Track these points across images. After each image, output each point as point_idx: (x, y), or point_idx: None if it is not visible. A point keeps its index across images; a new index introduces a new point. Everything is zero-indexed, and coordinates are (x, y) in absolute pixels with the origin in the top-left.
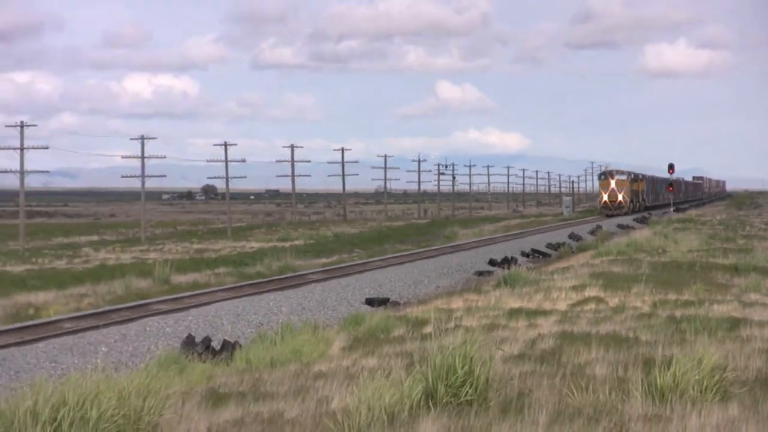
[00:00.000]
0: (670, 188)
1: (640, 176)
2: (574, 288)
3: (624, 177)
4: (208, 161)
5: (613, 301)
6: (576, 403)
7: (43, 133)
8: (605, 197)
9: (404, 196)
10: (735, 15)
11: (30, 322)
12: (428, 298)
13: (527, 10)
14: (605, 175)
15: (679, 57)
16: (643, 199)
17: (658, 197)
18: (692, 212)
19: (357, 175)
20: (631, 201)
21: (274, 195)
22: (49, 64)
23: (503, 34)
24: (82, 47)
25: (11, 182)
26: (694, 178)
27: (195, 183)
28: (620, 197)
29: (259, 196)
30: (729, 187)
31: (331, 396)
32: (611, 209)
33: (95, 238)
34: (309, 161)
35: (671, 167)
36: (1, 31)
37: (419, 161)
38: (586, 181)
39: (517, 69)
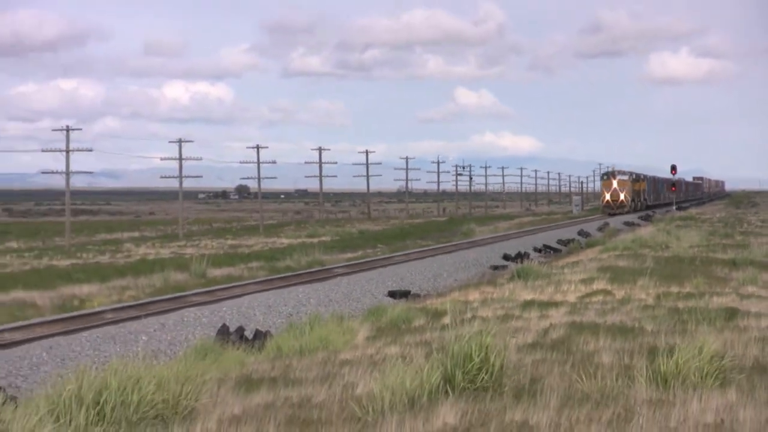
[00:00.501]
0: (673, 188)
1: (642, 176)
2: (583, 281)
3: (626, 177)
4: (241, 163)
5: (620, 293)
6: (585, 389)
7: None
8: (607, 197)
9: (424, 196)
10: (734, 27)
11: (75, 313)
12: (447, 291)
13: (540, 21)
14: (607, 176)
15: (682, 65)
16: (645, 199)
17: (659, 196)
18: (693, 210)
19: (380, 175)
20: (633, 200)
21: (302, 194)
22: (93, 72)
23: (517, 44)
24: (124, 56)
25: (58, 182)
26: (694, 178)
27: (229, 183)
28: (622, 197)
29: (289, 196)
30: (728, 187)
31: (356, 382)
32: (613, 208)
33: (136, 234)
34: (335, 163)
35: (673, 168)
36: (49, 41)
37: (438, 163)
38: (594, 181)
39: (531, 76)
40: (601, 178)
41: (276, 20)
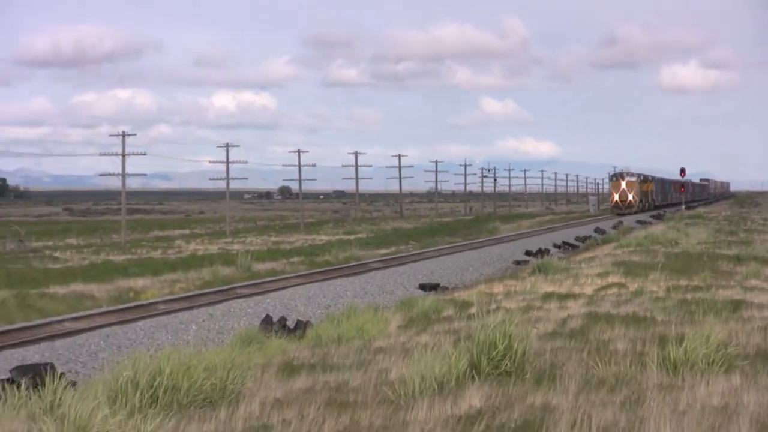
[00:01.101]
0: (682, 189)
1: (650, 178)
2: (599, 275)
3: (634, 178)
4: (283, 166)
5: (633, 286)
6: (601, 374)
7: (142, 142)
8: (616, 197)
9: (452, 196)
10: (739, 40)
11: (130, 304)
12: (473, 284)
13: (560, 35)
14: (616, 177)
15: (691, 76)
16: (653, 199)
17: (667, 197)
18: (701, 210)
19: (412, 177)
20: (641, 201)
21: (340, 195)
22: (147, 82)
23: (539, 56)
24: (176, 67)
25: (114, 183)
26: (701, 180)
27: (272, 184)
28: (630, 197)
29: (328, 196)
30: (732, 188)
31: (390, 368)
32: (622, 208)
33: (186, 231)
34: (370, 166)
35: (683, 171)
36: (108, 53)
37: (465, 166)
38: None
39: (551, 86)
40: (610, 179)
41: (316, 34)
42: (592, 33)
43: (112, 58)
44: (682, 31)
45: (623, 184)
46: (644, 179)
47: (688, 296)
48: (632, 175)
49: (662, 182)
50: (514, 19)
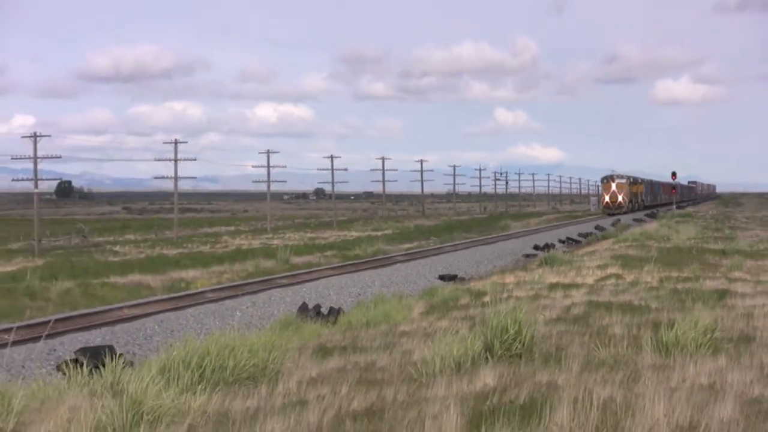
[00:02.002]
0: (673, 190)
1: (639, 180)
2: (599, 267)
3: (624, 180)
4: (318, 170)
5: (629, 277)
6: (601, 356)
7: (193, 148)
8: (607, 198)
9: (469, 197)
10: (726, 59)
11: (182, 293)
12: (487, 275)
13: (567, 53)
14: (607, 179)
15: (682, 90)
16: (642, 200)
17: (656, 198)
18: (690, 209)
19: (432, 180)
20: (630, 202)
21: (369, 196)
22: (198, 96)
23: (548, 72)
24: (223, 82)
25: (168, 185)
26: (689, 182)
27: (308, 186)
28: (620, 198)
29: (358, 197)
30: (718, 189)
31: (413, 349)
32: (612, 209)
33: (232, 228)
34: (396, 170)
35: (674, 174)
36: (163, 70)
37: (480, 170)
38: None
39: (558, 99)
40: (601, 181)
41: (349, 53)
42: (595, 51)
43: (167, 74)
44: (675, 50)
45: (613, 186)
46: (634, 181)
47: (679, 286)
48: (622, 177)
49: (651, 184)
50: (526, 38)
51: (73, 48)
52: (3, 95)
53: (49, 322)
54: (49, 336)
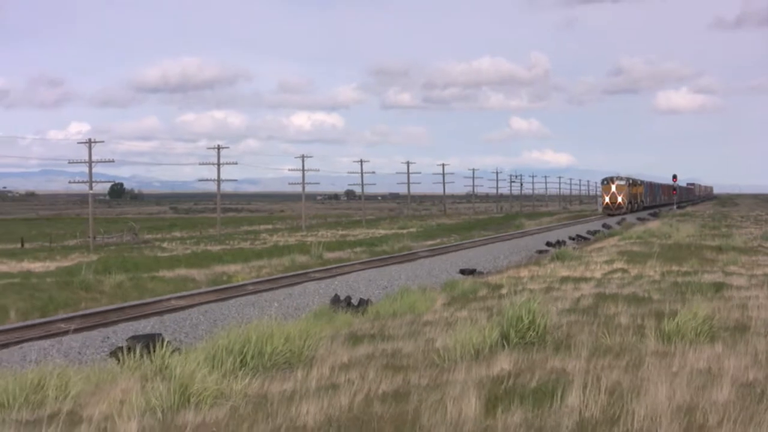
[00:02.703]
0: (674, 192)
1: (639, 182)
2: (606, 262)
3: (623, 182)
4: (349, 173)
5: (634, 271)
6: (608, 343)
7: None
8: (607, 199)
9: (486, 197)
10: (722, 72)
11: (224, 286)
12: (503, 269)
13: (576, 67)
14: (607, 181)
15: (682, 100)
16: (641, 201)
17: (656, 199)
18: (689, 209)
19: (453, 182)
20: (630, 203)
21: (395, 196)
22: (239, 105)
23: (559, 84)
24: (263, 92)
25: (211, 187)
26: (687, 184)
27: (340, 188)
28: (620, 199)
29: (385, 198)
30: (715, 191)
31: (435, 337)
32: (612, 209)
33: (270, 226)
34: (420, 173)
35: (674, 177)
36: (207, 81)
37: (497, 173)
38: None
39: (568, 108)
40: (602, 183)
41: (378, 66)
42: (602, 65)
43: (211, 85)
44: (676, 63)
45: (613, 188)
46: (633, 183)
47: (679, 279)
48: (621, 179)
49: (651, 186)
50: (539, 53)
51: (127, 61)
52: (62, 105)
53: (103, 312)
54: (104, 325)
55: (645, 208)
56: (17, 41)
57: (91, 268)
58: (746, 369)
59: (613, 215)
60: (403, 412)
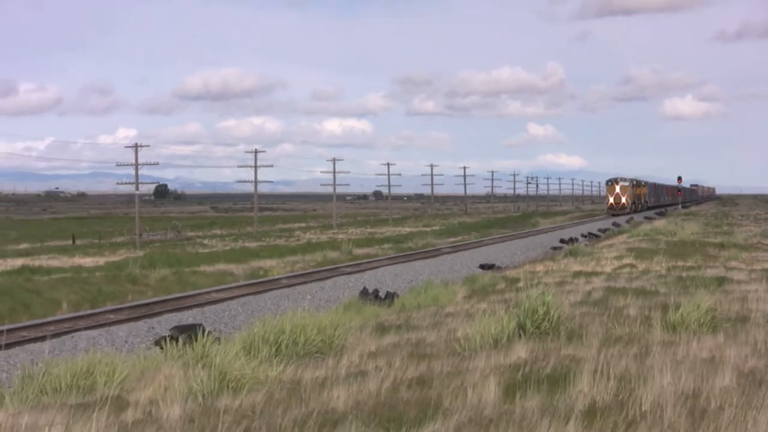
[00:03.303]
0: (679, 192)
1: (643, 182)
2: (616, 257)
3: (627, 183)
4: (376, 175)
5: (642, 266)
6: (617, 333)
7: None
8: (611, 200)
9: (504, 198)
10: (724, 81)
11: (261, 279)
12: (520, 264)
13: (589, 76)
14: (611, 182)
15: (687, 107)
16: (645, 201)
17: (659, 199)
18: (693, 208)
19: (473, 184)
20: (633, 203)
21: (419, 197)
22: (275, 111)
23: (573, 92)
24: (297, 100)
25: (249, 188)
26: (690, 185)
27: (368, 189)
28: (623, 200)
29: (410, 198)
30: (718, 191)
31: (457, 328)
32: (616, 210)
33: (303, 225)
34: (442, 175)
35: (679, 178)
36: (246, 90)
37: (514, 175)
38: None
39: (581, 115)
40: (606, 184)
41: (404, 76)
42: (613, 75)
43: (249, 93)
44: (682, 73)
45: (617, 188)
46: (637, 184)
47: (684, 274)
48: (625, 180)
49: (655, 186)
50: (555, 64)
51: (172, 71)
52: (111, 112)
53: (148, 304)
54: (149, 316)
55: (649, 208)
56: (71, 53)
57: (137, 263)
58: (746, 358)
59: (617, 215)
60: (426, 397)
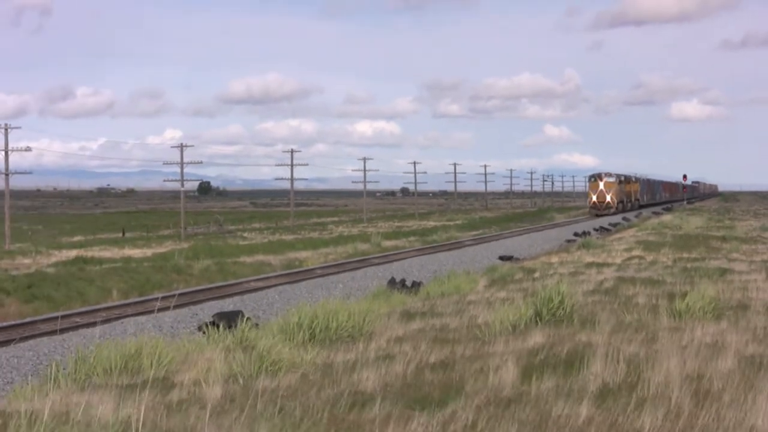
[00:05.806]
0: (684, 189)
1: (633, 178)
2: (626, 249)
3: (612, 179)
4: (404, 173)
5: (650, 257)
6: (627, 320)
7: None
8: (594, 198)
9: (522, 194)
10: (727, 86)
11: (296, 270)
12: (537, 256)
13: (602, 81)
14: (594, 178)
15: (692, 110)
16: (637, 199)
17: (654, 197)
18: (698, 204)
19: (494, 181)
20: (620, 201)
21: (443, 193)
22: (311, 114)
23: (587, 96)
24: (331, 104)
25: (286, 185)
26: (693, 182)
27: (396, 186)
28: (608, 198)
29: (435, 194)
30: (720, 188)
31: (478, 314)
32: (600, 209)
33: (335, 219)
34: (465, 173)
35: (684, 176)
36: (285, 94)
37: (531, 173)
38: None
39: (594, 117)
40: (588, 180)
41: (431, 81)
42: (625, 80)
43: (288, 97)
44: (688, 79)
45: (601, 185)
46: (626, 180)
47: (689, 265)
48: (611, 176)
49: (649, 183)
50: (572, 70)
51: (216, 76)
52: (159, 114)
53: (192, 292)
54: (193, 303)
55: (641, 207)
56: (123, 59)
57: (182, 255)
58: (747, 343)
59: (601, 215)
60: (449, 379)
